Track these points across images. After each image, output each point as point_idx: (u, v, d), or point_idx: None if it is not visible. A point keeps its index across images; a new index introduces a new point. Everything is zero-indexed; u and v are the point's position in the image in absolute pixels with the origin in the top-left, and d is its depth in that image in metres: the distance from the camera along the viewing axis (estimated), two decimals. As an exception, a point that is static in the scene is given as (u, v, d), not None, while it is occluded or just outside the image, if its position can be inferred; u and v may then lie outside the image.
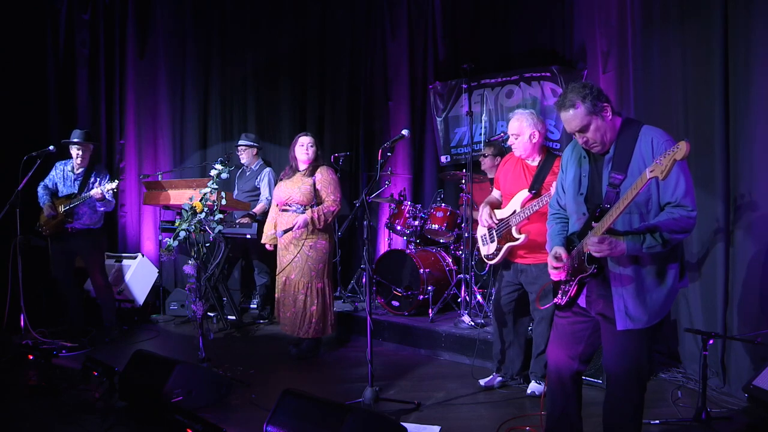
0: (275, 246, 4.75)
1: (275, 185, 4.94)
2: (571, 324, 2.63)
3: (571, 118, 2.44)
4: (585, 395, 2.80)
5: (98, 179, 5.13)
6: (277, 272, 4.68)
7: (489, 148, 5.48)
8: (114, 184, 4.95)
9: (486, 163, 5.43)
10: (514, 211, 3.68)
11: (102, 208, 5.14)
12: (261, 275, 6.01)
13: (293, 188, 4.55)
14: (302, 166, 4.63)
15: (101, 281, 5.30)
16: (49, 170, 5.24)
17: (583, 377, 3.72)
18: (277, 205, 4.69)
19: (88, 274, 5.43)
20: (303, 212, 4.50)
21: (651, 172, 2.14)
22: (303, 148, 4.61)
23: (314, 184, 4.53)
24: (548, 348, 2.75)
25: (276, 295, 4.71)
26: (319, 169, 4.59)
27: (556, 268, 2.56)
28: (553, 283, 2.66)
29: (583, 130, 2.44)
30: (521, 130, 3.67)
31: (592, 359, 3.79)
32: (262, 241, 4.86)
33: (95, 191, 4.91)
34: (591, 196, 2.52)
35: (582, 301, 2.56)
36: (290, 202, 4.55)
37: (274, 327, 5.47)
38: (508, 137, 3.80)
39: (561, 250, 2.56)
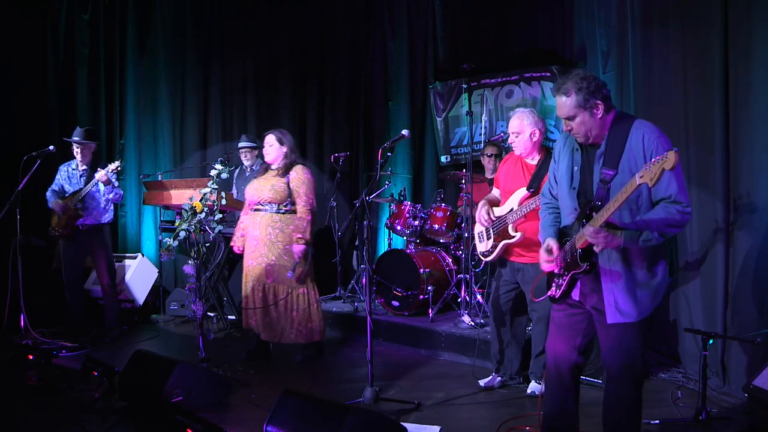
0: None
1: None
2: (568, 316, 2.65)
3: (561, 104, 2.47)
4: (586, 395, 2.80)
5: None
6: (248, 279, 4.48)
7: (494, 147, 5.48)
8: (116, 164, 4.98)
9: (491, 163, 5.43)
10: (512, 209, 3.68)
11: (110, 195, 5.15)
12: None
13: (265, 186, 4.40)
14: (273, 165, 4.49)
15: (108, 281, 5.32)
16: (52, 173, 5.27)
17: (583, 377, 3.76)
18: (249, 204, 4.52)
19: (96, 272, 5.44)
20: (276, 211, 4.35)
21: (641, 177, 2.17)
22: (265, 148, 4.47)
23: (288, 182, 4.38)
24: (547, 341, 2.76)
25: (246, 302, 4.47)
26: (294, 168, 4.42)
27: (548, 261, 2.60)
28: (546, 276, 2.69)
29: (570, 118, 2.47)
30: (522, 128, 3.67)
31: (591, 356, 3.80)
32: (231, 244, 4.65)
33: (99, 174, 4.94)
34: (583, 191, 2.54)
35: (576, 294, 2.59)
36: (262, 201, 4.39)
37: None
38: (508, 137, 3.80)
39: (553, 243, 2.59)
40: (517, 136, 3.69)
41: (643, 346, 2.54)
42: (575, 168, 2.57)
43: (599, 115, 2.45)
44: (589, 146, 2.54)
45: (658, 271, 2.47)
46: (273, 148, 4.44)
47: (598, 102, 2.43)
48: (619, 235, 2.34)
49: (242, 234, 4.55)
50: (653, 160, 2.16)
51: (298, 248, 4.33)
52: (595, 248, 2.39)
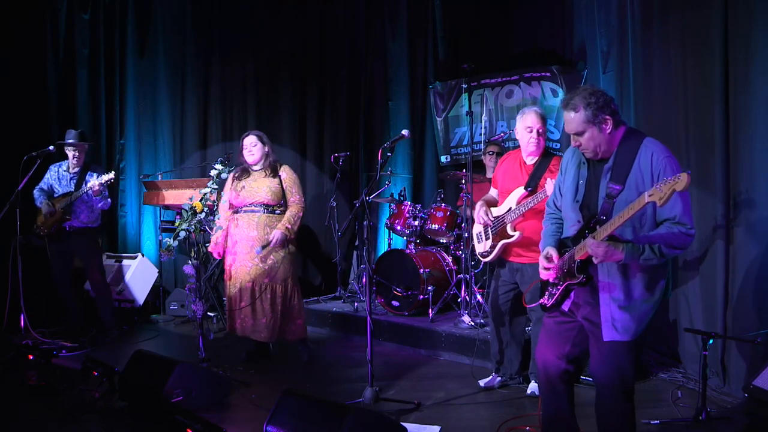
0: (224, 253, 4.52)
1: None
2: (558, 324, 2.66)
3: (570, 120, 2.48)
4: (585, 395, 2.80)
5: (95, 175, 5.13)
6: (236, 280, 4.40)
7: (496, 146, 5.48)
8: (110, 175, 4.95)
9: (492, 161, 5.43)
10: (510, 208, 3.69)
11: (100, 204, 5.14)
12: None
13: (260, 187, 4.37)
14: (255, 167, 4.47)
15: (99, 280, 5.31)
16: (44, 173, 5.24)
17: (583, 377, 3.76)
18: (237, 206, 4.45)
19: (86, 273, 5.43)
20: (272, 212, 4.37)
21: (650, 196, 2.18)
22: (246, 150, 4.44)
23: (281, 183, 4.43)
24: (537, 348, 2.78)
25: (239, 303, 4.40)
26: (282, 168, 4.48)
27: (546, 268, 2.61)
28: (541, 283, 2.69)
29: (579, 134, 2.47)
30: (544, 125, 3.68)
31: (585, 361, 3.80)
32: (210, 249, 4.57)
33: (92, 183, 4.91)
34: (587, 204, 2.54)
35: (566, 306, 2.59)
36: (256, 203, 4.37)
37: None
38: (508, 136, 3.79)
39: (553, 251, 2.61)
40: (541, 132, 3.66)
41: (635, 360, 2.54)
42: (581, 182, 2.58)
43: (608, 131, 2.45)
44: (596, 161, 2.55)
45: (657, 289, 2.48)
46: (257, 148, 4.44)
47: (607, 117, 2.44)
48: (620, 249, 2.35)
49: (221, 239, 4.48)
50: (665, 180, 2.17)
51: (279, 235, 4.31)
52: (594, 260, 2.40)
